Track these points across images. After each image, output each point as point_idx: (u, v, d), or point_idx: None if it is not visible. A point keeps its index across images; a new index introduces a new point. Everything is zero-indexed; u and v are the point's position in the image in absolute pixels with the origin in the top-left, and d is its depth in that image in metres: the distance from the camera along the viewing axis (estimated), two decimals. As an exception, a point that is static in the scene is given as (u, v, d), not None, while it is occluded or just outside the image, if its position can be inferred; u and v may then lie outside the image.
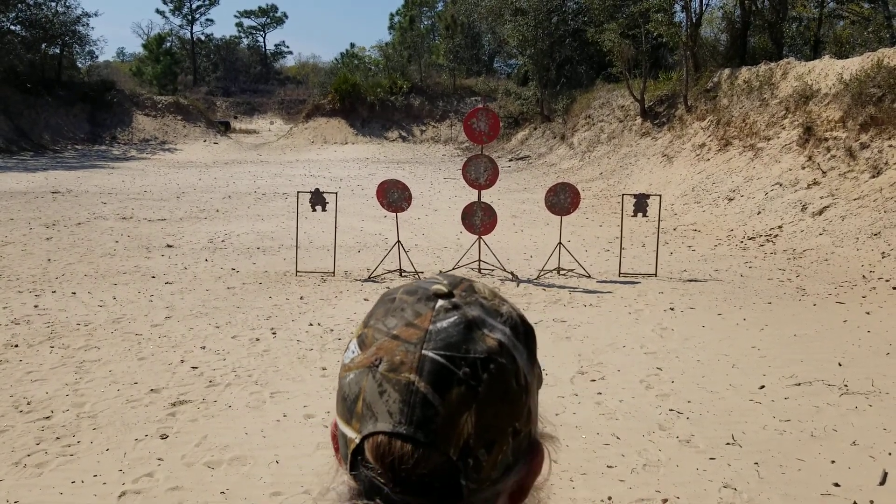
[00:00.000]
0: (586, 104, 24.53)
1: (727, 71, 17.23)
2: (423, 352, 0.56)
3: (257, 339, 5.89)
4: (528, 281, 8.16)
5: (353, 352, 0.60)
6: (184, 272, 8.38)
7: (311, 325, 6.34)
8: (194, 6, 58.18)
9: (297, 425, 4.24)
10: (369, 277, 8.23)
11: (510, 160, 25.26)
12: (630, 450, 3.93)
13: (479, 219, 8.65)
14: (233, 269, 8.56)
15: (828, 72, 13.00)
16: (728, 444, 3.99)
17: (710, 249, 10.10)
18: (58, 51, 34.44)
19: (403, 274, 8.40)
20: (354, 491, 0.57)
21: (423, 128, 33.01)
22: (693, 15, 19.29)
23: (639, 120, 20.49)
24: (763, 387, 4.85)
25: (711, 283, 8.00)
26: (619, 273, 8.43)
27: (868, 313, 6.66)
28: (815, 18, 20.83)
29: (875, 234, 9.15)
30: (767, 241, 10.34)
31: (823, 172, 11.39)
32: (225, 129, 35.73)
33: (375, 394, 0.56)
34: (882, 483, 3.56)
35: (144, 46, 50.73)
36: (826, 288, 7.65)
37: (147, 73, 47.65)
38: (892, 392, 4.73)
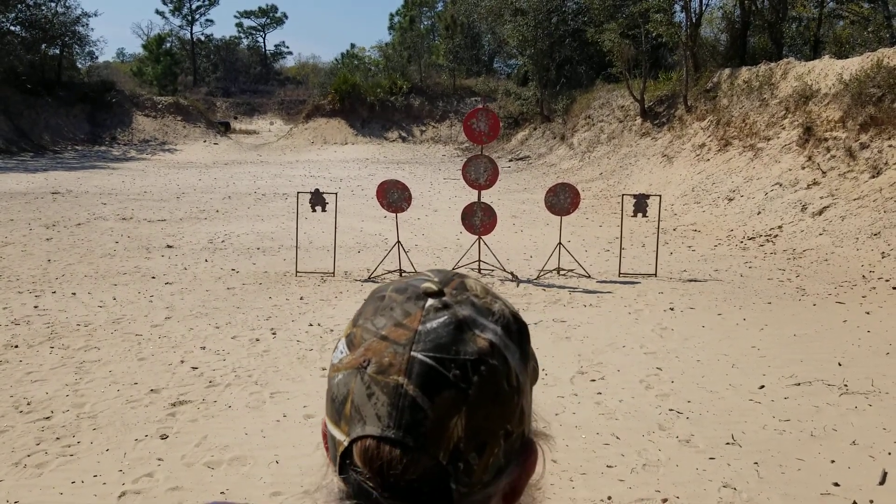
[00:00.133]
0: (586, 104, 24.53)
1: (727, 71, 17.24)
2: (412, 353, 0.55)
3: (257, 340, 5.89)
4: (528, 281, 8.16)
5: (342, 352, 0.59)
6: (184, 273, 8.38)
7: (311, 325, 6.34)
8: (194, 6, 58.17)
9: (296, 425, 4.25)
10: (369, 278, 8.23)
11: (510, 160, 25.26)
12: (630, 450, 3.93)
13: (478, 219, 8.65)
14: (233, 270, 8.56)
15: (827, 72, 13.01)
16: (728, 443, 3.99)
17: (709, 249, 10.11)
18: (58, 51, 34.46)
19: (403, 274, 8.40)
20: (344, 493, 0.56)
21: (423, 128, 33.02)
22: (693, 15, 19.30)
23: (639, 120, 20.49)
24: (763, 387, 4.85)
25: (711, 283, 8.01)
26: (619, 273, 8.44)
27: (868, 313, 6.66)
28: (814, 18, 20.84)
29: (875, 234, 9.16)
30: (767, 241, 10.34)
31: (823, 172, 11.40)
32: (225, 129, 35.73)
33: (364, 396, 0.55)
34: (882, 483, 3.56)
35: (144, 47, 50.71)
36: (826, 288, 7.65)
37: (147, 74, 47.64)
38: (891, 392, 4.73)
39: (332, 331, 6.16)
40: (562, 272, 8.42)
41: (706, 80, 17.93)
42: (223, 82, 54.51)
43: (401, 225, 9.48)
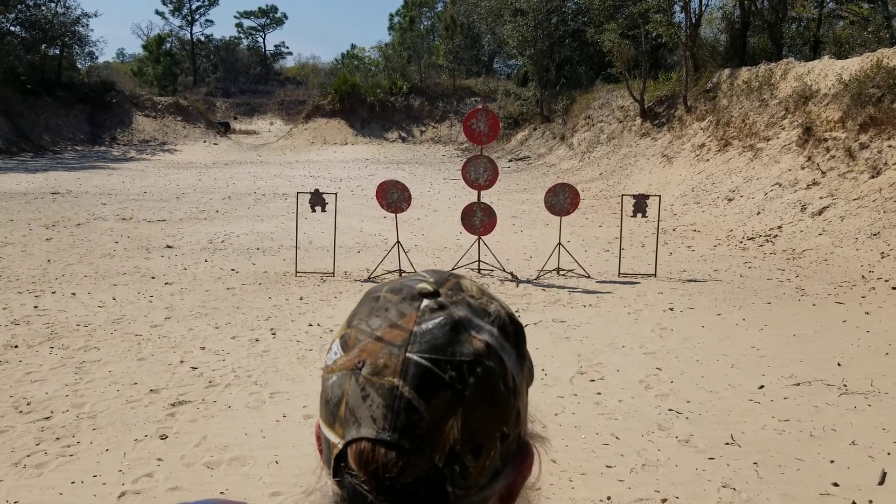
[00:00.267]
0: (586, 105, 24.54)
1: (727, 71, 17.24)
2: (408, 355, 0.54)
3: (257, 340, 5.89)
4: (528, 281, 8.16)
5: (336, 353, 0.58)
6: (183, 273, 8.39)
7: (311, 325, 6.34)
8: (194, 7, 58.20)
9: (296, 425, 4.25)
10: (369, 278, 8.23)
11: (510, 161, 25.27)
12: (629, 450, 3.93)
13: (478, 219, 8.66)
14: (232, 270, 8.57)
15: (827, 72, 13.01)
16: (727, 443, 3.99)
17: (709, 250, 10.11)
18: (57, 52, 34.47)
19: (403, 275, 8.41)
20: (339, 496, 0.55)
21: (423, 128, 33.03)
22: (692, 15, 19.31)
23: (638, 120, 20.50)
24: (762, 387, 4.85)
25: (711, 283, 8.01)
26: (619, 273, 8.44)
27: (867, 313, 6.67)
28: (814, 19, 20.84)
29: (874, 235, 9.16)
30: (767, 241, 10.34)
31: (823, 173, 11.40)
32: (225, 129, 35.74)
33: (358, 398, 0.54)
34: (881, 483, 3.56)
35: (144, 47, 50.70)
36: (825, 288, 7.65)
37: (147, 74, 47.64)
38: (891, 392, 4.74)
39: (331, 331, 6.16)
40: (561, 272, 8.42)
41: (706, 81, 17.94)
42: (223, 83, 54.53)
43: (400, 225, 9.48)
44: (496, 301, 0.61)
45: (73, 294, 7.29)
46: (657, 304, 7.11)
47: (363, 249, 10.02)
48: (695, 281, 8.11)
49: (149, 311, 6.72)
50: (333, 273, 8.36)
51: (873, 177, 10.37)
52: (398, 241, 8.55)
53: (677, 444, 4.00)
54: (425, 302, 0.57)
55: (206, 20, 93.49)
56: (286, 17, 71.52)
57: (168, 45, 50.85)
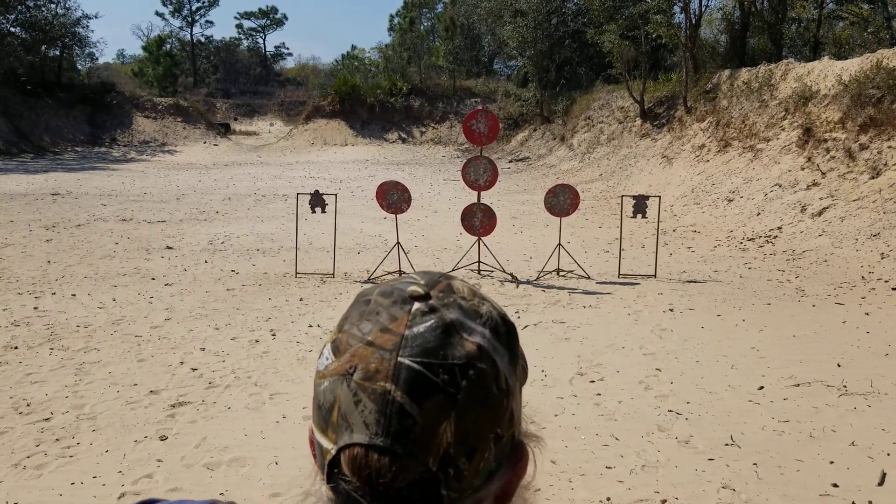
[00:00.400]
0: (586, 105, 24.55)
1: (726, 72, 17.25)
2: (399, 359, 0.54)
3: (257, 341, 5.89)
4: (528, 282, 8.16)
5: (327, 358, 0.58)
6: (183, 274, 8.39)
7: (311, 326, 6.34)
8: (194, 8, 58.22)
9: (296, 427, 4.25)
10: (369, 279, 8.23)
11: (510, 161, 25.28)
12: (629, 450, 3.93)
13: (478, 220, 8.66)
14: (232, 271, 8.57)
15: (827, 73, 13.01)
16: (727, 444, 3.99)
17: (709, 250, 10.11)
18: (58, 53, 34.50)
19: (403, 276, 8.40)
20: (333, 501, 0.55)
21: (423, 129, 33.03)
22: (692, 16, 19.32)
23: (638, 121, 20.51)
24: (762, 387, 4.85)
25: (711, 283, 8.01)
26: (619, 274, 8.44)
27: (867, 314, 6.67)
28: (814, 19, 20.86)
29: (874, 235, 9.16)
30: (767, 242, 10.35)
31: (823, 173, 11.40)
32: (225, 130, 35.75)
33: (351, 403, 0.54)
34: (881, 484, 3.56)
35: (144, 48, 50.70)
36: (825, 289, 7.65)
37: (147, 75, 47.65)
38: (890, 393, 4.74)
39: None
40: (561, 273, 8.42)
41: (706, 82, 17.94)
42: (223, 83, 54.54)
43: (400, 226, 9.48)
44: (488, 302, 0.61)
45: (73, 295, 7.29)
46: (657, 304, 7.12)
47: (363, 250, 10.02)
48: (695, 282, 8.11)
49: (149, 312, 6.72)
50: (333, 274, 8.36)
51: (873, 177, 10.37)
52: (398, 242, 8.55)
53: (677, 445, 4.00)
54: (416, 305, 0.57)
55: (207, 21, 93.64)
56: (286, 18, 71.65)
57: (168, 46, 50.84)
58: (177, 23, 59.34)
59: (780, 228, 10.73)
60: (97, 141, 31.24)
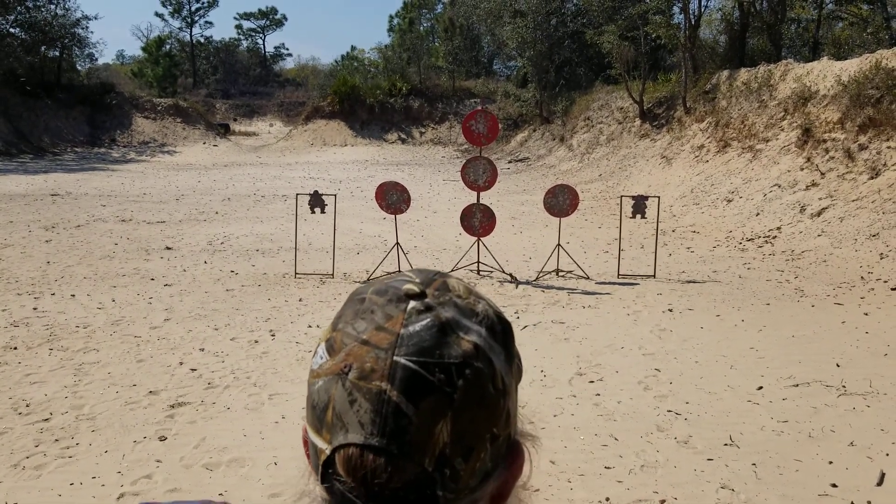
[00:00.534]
0: (585, 106, 24.56)
1: (726, 72, 17.26)
2: (395, 358, 0.53)
3: (256, 342, 5.89)
4: (527, 282, 8.16)
5: (322, 357, 0.57)
6: (183, 274, 8.39)
7: (310, 327, 6.34)
8: (193, 8, 58.24)
9: (295, 427, 4.24)
10: (368, 279, 8.23)
11: (509, 162, 25.28)
12: (628, 451, 3.93)
13: (478, 220, 8.66)
14: (232, 272, 8.57)
15: (826, 73, 13.02)
16: (726, 444, 4.00)
17: (708, 251, 10.12)
18: (57, 53, 34.49)
19: (398, 274, 8.40)
20: (327, 502, 0.55)
21: (423, 130, 33.04)
22: (691, 17, 19.34)
23: (638, 121, 20.51)
24: (761, 388, 4.85)
25: (710, 284, 8.01)
26: (618, 274, 8.44)
27: (866, 314, 6.67)
28: (813, 20, 20.88)
29: (873, 236, 9.17)
30: (766, 242, 10.35)
31: (822, 174, 11.41)
32: (224, 131, 35.74)
33: (345, 403, 0.53)
34: (879, 484, 3.56)
35: (144, 49, 50.68)
36: (824, 289, 7.66)
37: (147, 76, 47.64)
38: (889, 393, 4.74)
39: (330, 332, 6.16)
40: (561, 273, 8.42)
41: (705, 82, 17.95)
42: (223, 84, 54.53)
43: (400, 226, 9.49)
44: (484, 300, 0.60)
45: (73, 296, 7.29)
46: (656, 305, 7.12)
47: (362, 251, 10.03)
48: (694, 282, 8.12)
49: (148, 312, 6.72)
50: (333, 275, 8.36)
51: (872, 178, 10.38)
52: (397, 243, 8.55)
53: (676, 445, 4.00)
54: (412, 303, 0.56)
55: (206, 22, 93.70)
56: (286, 19, 71.71)
57: (168, 47, 50.83)
58: (176, 23, 59.38)
59: (779, 229, 10.73)
60: (97, 142, 31.23)
